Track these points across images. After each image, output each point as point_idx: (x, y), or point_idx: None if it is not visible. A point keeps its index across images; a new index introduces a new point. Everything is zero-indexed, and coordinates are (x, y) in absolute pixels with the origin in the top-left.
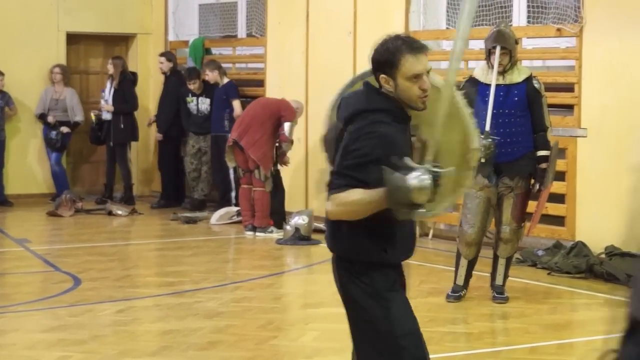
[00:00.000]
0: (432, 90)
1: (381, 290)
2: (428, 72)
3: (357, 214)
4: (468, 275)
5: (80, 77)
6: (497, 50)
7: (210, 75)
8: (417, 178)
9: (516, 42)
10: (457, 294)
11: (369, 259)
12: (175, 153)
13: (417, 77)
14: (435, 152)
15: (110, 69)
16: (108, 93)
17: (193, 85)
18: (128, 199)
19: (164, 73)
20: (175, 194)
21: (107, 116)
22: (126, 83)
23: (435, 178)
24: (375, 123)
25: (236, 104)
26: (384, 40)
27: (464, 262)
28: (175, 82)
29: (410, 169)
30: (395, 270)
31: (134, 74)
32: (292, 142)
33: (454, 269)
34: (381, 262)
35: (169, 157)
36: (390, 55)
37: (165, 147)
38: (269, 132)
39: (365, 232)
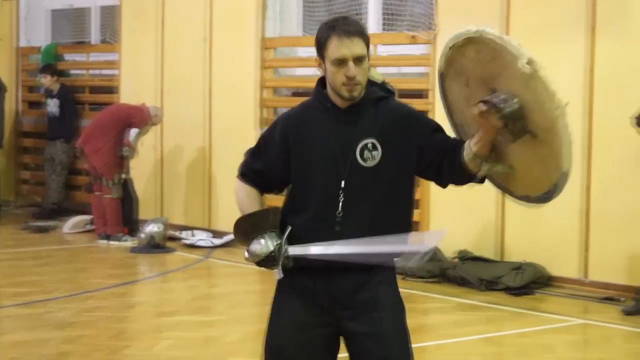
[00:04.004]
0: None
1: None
2: (361, 59)
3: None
4: None
5: None
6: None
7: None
8: (259, 245)
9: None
10: None
11: None
12: None
13: (341, 62)
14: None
15: None
16: None
17: (44, 79)
18: None
19: None
20: None
21: None
22: None
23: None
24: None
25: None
26: (323, 21)
27: None
28: None
29: (263, 235)
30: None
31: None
32: (134, 148)
33: None
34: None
35: None
36: (320, 35)
37: None
38: (112, 139)
39: None
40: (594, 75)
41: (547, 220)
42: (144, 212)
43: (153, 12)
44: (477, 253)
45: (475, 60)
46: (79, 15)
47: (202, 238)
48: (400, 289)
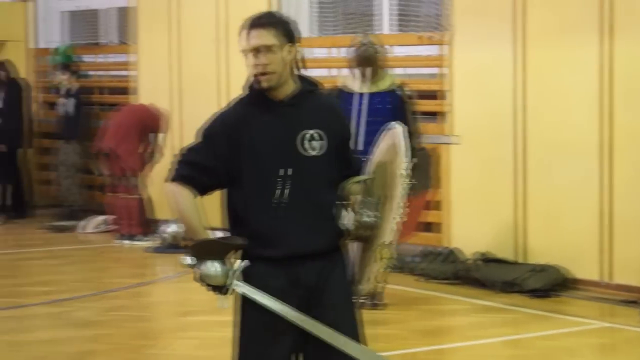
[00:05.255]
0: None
1: None
2: (260, 49)
3: (177, 217)
4: None
5: None
6: (365, 71)
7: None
8: (207, 266)
9: (378, 52)
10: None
11: None
12: (15, 163)
13: (247, 52)
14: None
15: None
16: None
17: (63, 77)
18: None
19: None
20: (18, 206)
21: None
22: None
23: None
24: (229, 103)
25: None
26: None
27: None
28: (16, 91)
29: (219, 261)
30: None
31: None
32: (162, 153)
33: None
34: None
35: (11, 168)
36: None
37: (6, 158)
38: (136, 140)
39: None
40: (614, 76)
41: (569, 221)
42: (162, 213)
43: (168, 13)
44: (497, 255)
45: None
46: (94, 17)
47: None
48: (419, 291)
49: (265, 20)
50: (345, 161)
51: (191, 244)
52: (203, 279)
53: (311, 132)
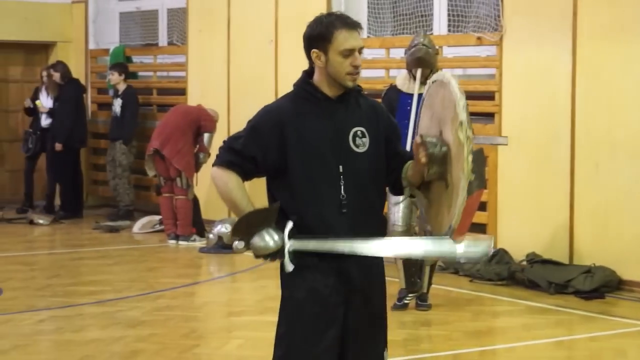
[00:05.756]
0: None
1: None
2: (360, 50)
3: (224, 200)
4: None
5: (0, 86)
6: (419, 72)
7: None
8: (262, 235)
9: (436, 53)
10: (401, 302)
11: None
12: (74, 163)
13: (349, 52)
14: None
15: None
16: (45, 100)
17: (112, 76)
18: (75, 206)
19: (58, 84)
20: (75, 205)
21: (46, 123)
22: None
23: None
24: (278, 99)
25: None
26: (317, 17)
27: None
28: (73, 90)
29: (266, 230)
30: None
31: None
32: (209, 153)
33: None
34: None
35: (68, 167)
36: (324, 28)
37: (63, 157)
38: (190, 141)
39: None
40: None
41: (618, 223)
42: (211, 213)
43: (220, 14)
44: (546, 256)
45: (441, 102)
46: (147, 18)
47: None
48: (468, 292)
49: (357, 23)
50: (393, 156)
51: (235, 223)
52: (260, 252)
53: (360, 129)
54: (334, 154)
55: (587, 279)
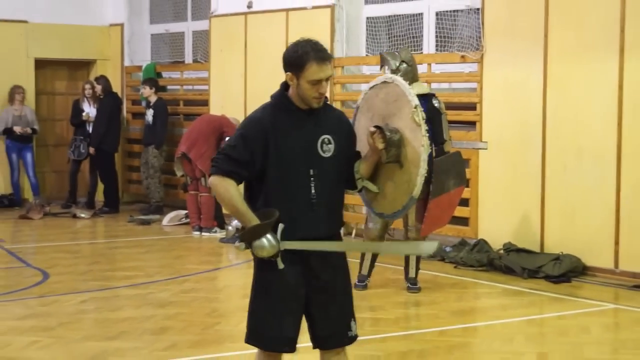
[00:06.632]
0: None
1: None
2: (327, 79)
3: (224, 205)
4: (371, 266)
5: (47, 98)
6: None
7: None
8: (262, 241)
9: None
10: (363, 282)
11: None
12: (110, 165)
13: (317, 82)
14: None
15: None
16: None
17: (144, 90)
18: (114, 203)
19: (99, 95)
20: (114, 202)
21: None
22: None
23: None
24: (258, 109)
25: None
26: (296, 42)
27: (368, 255)
28: (110, 102)
29: (266, 236)
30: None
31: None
32: None
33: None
34: None
35: (109, 169)
36: (298, 58)
37: (99, 160)
38: (213, 145)
39: None
40: (623, 91)
41: (583, 217)
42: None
43: (238, 36)
44: (520, 245)
45: (383, 100)
46: (175, 38)
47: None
48: (453, 276)
49: (328, 55)
50: (351, 158)
51: (242, 233)
52: (262, 254)
53: (327, 136)
54: (306, 160)
55: (555, 265)
